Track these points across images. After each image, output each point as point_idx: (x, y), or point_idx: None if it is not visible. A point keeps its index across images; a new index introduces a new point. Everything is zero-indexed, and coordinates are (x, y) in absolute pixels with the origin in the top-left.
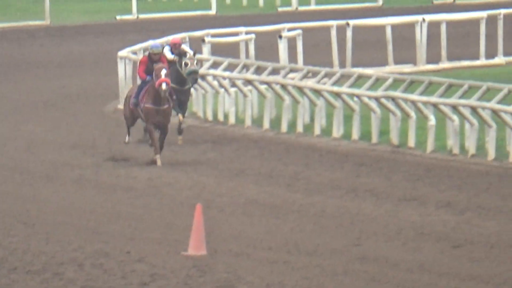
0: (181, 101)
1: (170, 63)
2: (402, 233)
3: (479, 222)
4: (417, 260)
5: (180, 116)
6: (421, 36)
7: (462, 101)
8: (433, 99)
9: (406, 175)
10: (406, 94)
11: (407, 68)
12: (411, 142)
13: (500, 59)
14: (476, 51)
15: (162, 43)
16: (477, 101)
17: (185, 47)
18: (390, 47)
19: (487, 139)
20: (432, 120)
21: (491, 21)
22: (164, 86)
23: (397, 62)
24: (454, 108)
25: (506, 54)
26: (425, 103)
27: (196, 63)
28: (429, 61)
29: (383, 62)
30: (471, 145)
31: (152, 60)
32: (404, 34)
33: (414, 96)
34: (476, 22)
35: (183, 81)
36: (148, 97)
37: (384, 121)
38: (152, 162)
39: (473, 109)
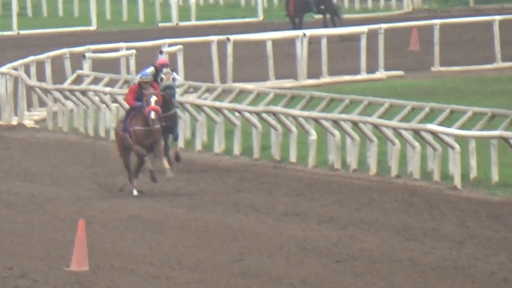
0: (169, 127)
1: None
2: (284, 248)
3: (361, 237)
4: (299, 275)
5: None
6: (301, 51)
7: (343, 115)
8: (314, 113)
9: (288, 190)
10: (287, 109)
11: (288, 83)
12: (293, 157)
13: (381, 74)
14: (356, 66)
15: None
16: (358, 116)
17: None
18: (271, 62)
19: (369, 154)
20: (313, 135)
21: (372, 36)
22: (152, 115)
23: (278, 77)
24: (335, 122)
25: (386, 68)
26: (306, 118)
27: (173, 79)
28: (310, 76)
29: (264, 77)
30: (352, 160)
31: (142, 88)
32: (285, 49)
33: (295, 111)
34: (356, 37)
35: (168, 105)
36: (137, 119)
37: (265, 136)
38: (122, 188)
39: (354, 124)
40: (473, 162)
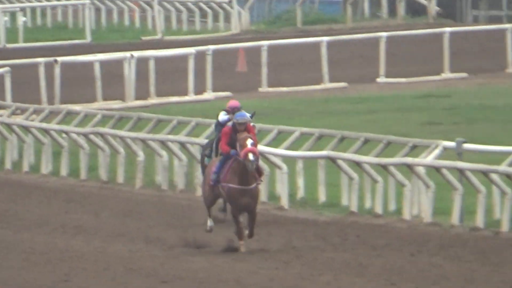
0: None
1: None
2: (110, 269)
3: (188, 257)
4: None
5: None
6: (129, 72)
7: (171, 137)
8: (142, 135)
9: (115, 211)
10: (114, 130)
11: (115, 104)
12: (120, 178)
13: (209, 94)
14: (185, 87)
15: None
16: (186, 137)
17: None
18: (98, 84)
19: (196, 174)
20: (140, 156)
21: (200, 57)
22: (251, 156)
23: (106, 98)
24: (163, 143)
25: (214, 89)
26: (133, 139)
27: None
28: (137, 97)
29: (92, 98)
30: (179, 181)
31: (236, 131)
32: (113, 71)
33: (122, 132)
34: (184, 58)
35: None
36: (233, 175)
37: (93, 157)
38: (232, 248)
39: (182, 145)
40: (300, 182)
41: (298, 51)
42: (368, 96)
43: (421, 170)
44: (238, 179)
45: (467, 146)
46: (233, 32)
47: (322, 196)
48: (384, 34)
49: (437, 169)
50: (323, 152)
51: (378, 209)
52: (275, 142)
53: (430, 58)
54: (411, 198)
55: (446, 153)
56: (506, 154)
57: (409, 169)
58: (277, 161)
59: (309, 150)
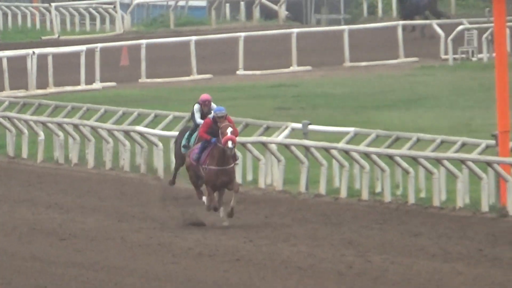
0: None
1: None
2: (17, 229)
3: (81, 219)
4: (30, 251)
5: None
6: (32, 66)
7: (66, 119)
8: (42, 118)
9: (21, 181)
10: (19, 114)
11: (20, 93)
12: (24, 154)
13: (97, 85)
14: (77, 78)
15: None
16: (79, 120)
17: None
18: (6, 76)
19: (87, 151)
20: (41, 136)
21: (90, 54)
22: (230, 144)
23: (12, 88)
24: (60, 125)
25: (102, 80)
26: (35, 122)
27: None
28: (38, 87)
29: (1, 88)
30: (74, 156)
31: (216, 122)
32: (18, 65)
33: (26, 116)
34: (77, 54)
35: None
36: (211, 159)
37: (2, 137)
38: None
39: (75, 126)
40: (173, 157)
41: (171, 49)
42: (229, 86)
43: (273, 147)
44: (217, 162)
45: (311, 127)
46: (117, 32)
47: None
48: (242, 34)
49: (287, 146)
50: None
51: (238, 180)
52: (152, 124)
53: (280, 54)
54: (265, 170)
55: (294, 133)
56: (344, 133)
57: (264, 146)
58: (154, 139)
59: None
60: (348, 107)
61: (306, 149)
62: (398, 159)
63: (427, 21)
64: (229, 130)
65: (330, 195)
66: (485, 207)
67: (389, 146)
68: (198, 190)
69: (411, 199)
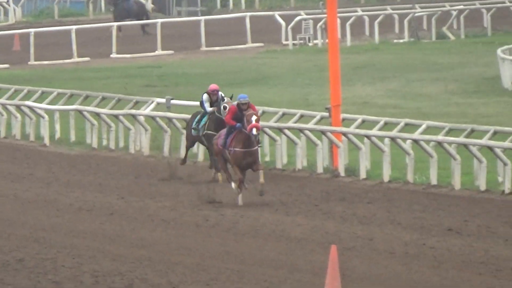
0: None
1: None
2: None
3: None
4: None
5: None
6: None
7: None
8: None
9: None
10: None
11: None
12: None
13: None
14: None
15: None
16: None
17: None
18: None
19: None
20: None
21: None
22: (254, 131)
23: None
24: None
25: None
26: None
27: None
28: None
29: None
30: (17, 133)
31: (240, 109)
32: None
33: None
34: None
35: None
36: (237, 142)
37: None
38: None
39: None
40: (57, 127)
41: (56, 36)
42: (104, 67)
43: (141, 118)
44: (242, 145)
45: (173, 101)
46: (10, 22)
47: (72, 137)
48: (115, 23)
49: (153, 117)
50: (72, 106)
51: (112, 145)
52: (40, 99)
53: (147, 40)
54: (134, 138)
55: (159, 107)
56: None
57: (133, 117)
58: (41, 112)
59: (63, 105)
60: (205, 85)
61: (169, 120)
62: None
63: (139, 21)
64: (254, 118)
65: (191, 159)
66: (320, 169)
67: None
68: (228, 175)
69: None
